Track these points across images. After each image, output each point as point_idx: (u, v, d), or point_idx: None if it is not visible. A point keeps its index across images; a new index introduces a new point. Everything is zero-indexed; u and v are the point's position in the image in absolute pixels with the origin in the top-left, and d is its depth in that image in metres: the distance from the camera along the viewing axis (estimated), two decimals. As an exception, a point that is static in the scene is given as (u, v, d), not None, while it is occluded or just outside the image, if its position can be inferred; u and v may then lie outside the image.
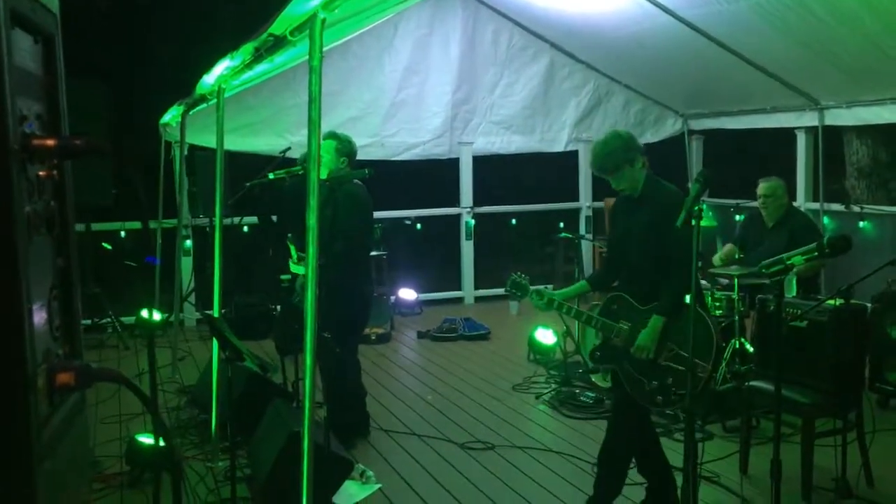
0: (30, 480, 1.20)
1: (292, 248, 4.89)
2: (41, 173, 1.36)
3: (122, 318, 7.64)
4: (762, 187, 5.80)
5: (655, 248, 3.71)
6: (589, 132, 9.16)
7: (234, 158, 7.30)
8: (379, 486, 4.37)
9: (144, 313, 6.17)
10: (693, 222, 3.13)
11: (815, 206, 7.69)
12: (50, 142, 1.31)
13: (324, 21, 2.64)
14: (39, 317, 1.32)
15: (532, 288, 4.01)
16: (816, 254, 3.22)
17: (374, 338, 7.51)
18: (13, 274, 1.20)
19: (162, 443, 1.47)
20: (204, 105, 6.23)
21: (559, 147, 9.15)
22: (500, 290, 4.95)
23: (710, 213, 8.75)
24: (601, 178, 3.91)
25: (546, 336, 6.66)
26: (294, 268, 4.95)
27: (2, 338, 1.20)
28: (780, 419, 3.36)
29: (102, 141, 1.34)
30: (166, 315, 7.13)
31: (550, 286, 5.02)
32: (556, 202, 9.91)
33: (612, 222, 4.08)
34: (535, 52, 8.83)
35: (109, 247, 8.06)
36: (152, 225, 7.09)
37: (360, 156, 5.28)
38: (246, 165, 7.40)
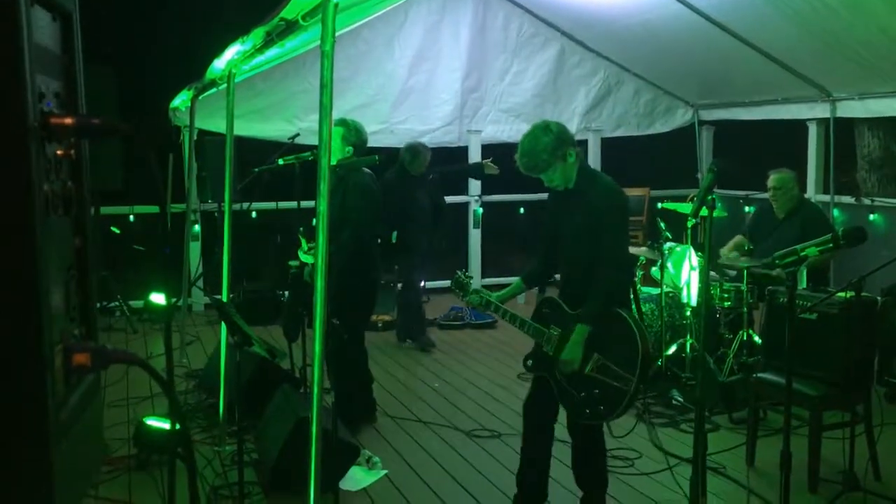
0: (46, 460, 1.20)
1: (302, 240, 4.89)
2: (59, 152, 1.36)
3: (131, 302, 7.66)
4: (773, 179, 5.77)
5: (589, 247, 3.47)
6: (599, 121, 9.13)
7: (242, 143, 7.30)
8: (385, 472, 4.39)
9: (155, 297, 6.17)
10: (705, 212, 3.11)
11: (826, 198, 7.65)
12: (68, 120, 1.30)
13: (336, 6, 2.62)
14: (56, 297, 1.31)
15: (472, 288, 3.84)
16: (831, 245, 3.20)
17: (380, 325, 7.51)
18: (31, 253, 1.20)
19: (177, 427, 1.46)
20: (214, 90, 6.22)
21: (568, 136, 9.10)
22: (508, 279, 4.93)
23: (720, 205, 8.72)
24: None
25: (553, 325, 6.64)
26: (303, 257, 4.96)
27: (20, 317, 1.20)
28: (790, 411, 3.35)
29: (119, 122, 1.33)
30: (174, 300, 7.14)
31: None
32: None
33: (547, 215, 3.80)
34: (545, 40, 8.78)
35: (118, 231, 8.07)
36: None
37: (369, 143, 5.26)
38: (254, 150, 7.41)
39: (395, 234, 6.77)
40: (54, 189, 1.34)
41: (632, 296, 3.87)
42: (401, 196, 6.73)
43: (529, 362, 3.77)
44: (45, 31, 1.37)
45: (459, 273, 3.94)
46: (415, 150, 6.80)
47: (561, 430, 3.87)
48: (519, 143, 3.55)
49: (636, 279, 6.23)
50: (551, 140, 3.44)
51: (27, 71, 1.18)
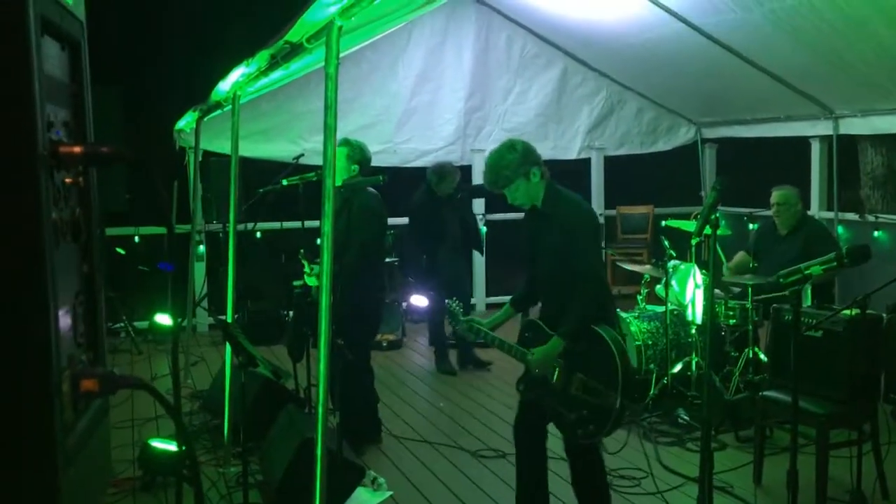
0: (54, 486, 1.21)
1: (304, 262, 4.89)
2: (67, 180, 1.37)
3: (136, 323, 7.67)
4: (775, 195, 5.78)
5: (562, 266, 3.50)
6: (602, 140, 9.16)
7: (246, 164, 7.33)
8: (390, 493, 4.37)
9: (160, 318, 6.18)
10: (709, 231, 3.12)
11: (830, 215, 7.65)
12: (77, 149, 1.31)
13: (340, 28, 2.64)
14: (65, 323, 1.33)
15: (462, 318, 3.84)
16: (835, 264, 3.21)
17: (385, 345, 7.51)
18: (40, 280, 1.21)
19: (183, 450, 1.47)
20: (219, 111, 6.26)
21: (572, 154, 9.14)
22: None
23: (724, 222, 8.72)
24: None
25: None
26: (308, 280, 4.95)
27: (29, 344, 1.21)
28: (797, 429, 3.34)
29: (128, 149, 1.35)
30: (179, 320, 7.15)
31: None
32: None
33: (524, 237, 3.85)
34: (548, 60, 8.84)
35: (123, 252, 8.10)
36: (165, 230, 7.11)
37: (373, 163, 5.29)
38: (258, 171, 7.45)
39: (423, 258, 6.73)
40: (63, 217, 1.35)
41: (614, 310, 3.81)
42: (429, 218, 6.72)
43: (521, 386, 3.77)
44: (55, 60, 1.39)
45: (450, 301, 3.95)
46: (442, 171, 6.70)
47: (559, 446, 3.85)
48: (485, 158, 3.66)
49: (640, 296, 6.23)
50: (515, 158, 3.51)
51: (37, 102, 1.20)
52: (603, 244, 9.08)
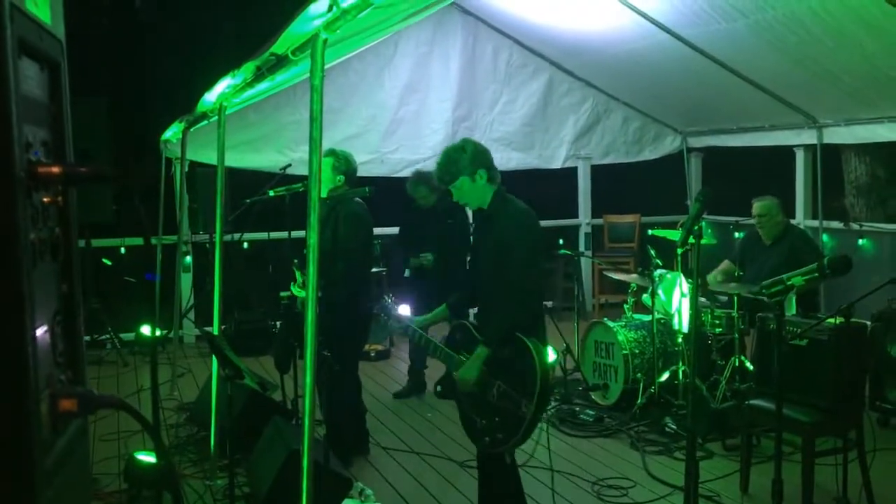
0: (32, 508, 1.20)
1: (297, 273, 4.88)
2: (46, 199, 1.37)
3: (122, 335, 7.63)
4: (756, 207, 5.82)
5: (497, 271, 3.47)
6: (588, 149, 9.20)
7: (233, 175, 7.32)
8: (378, 504, 4.36)
9: (146, 330, 6.15)
10: (692, 241, 3.14)
11: (815, 223, 7.71)
12: (55, 169, 1.32)
13: (325, 41, 2.65)
14: (43, 343, 1.32)
15: (393, 313, 3.83)
16: (817, 275, 3.23)
17: (373, 355, 7.50)
18: (18, 302, 1.21)
19: (162, 463, 1.46)
20: (205, 122, 6.26)
21: (557, 164, 9.18)
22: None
23: (709, 231, 8.77)
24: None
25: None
26: (296, 291, 4.94)
27: (6, 365, 1.21)
28: (781, 438, 3.36)
29: (106, 167, 1.35)
30: (165, 331, 7.12)
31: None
32: (555, 218, 9.93)
33: (472, 239, 3.83)
34: (534, 70, 8.88)
35: (109, 262, 8.07)
36: (152, 241, 7.10)
37: (361, 172, 5.30)
38: (246, 182, 7.44)
39: (406, 270, 6.62)
40: (42, 237, 1.35)
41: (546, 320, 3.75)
42: (409, 229, 6.71)
43: (439, 388, 3.77)
44: (33, 80, 1.39)
45: (385, 297, 3.92)
46: (415, 180, 6.49)
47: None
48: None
49: (627, 305, 6.25)
50: (462, 157, 3.54)
51: (14, 123, 1.20)
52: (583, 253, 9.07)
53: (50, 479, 1.29)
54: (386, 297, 3.92)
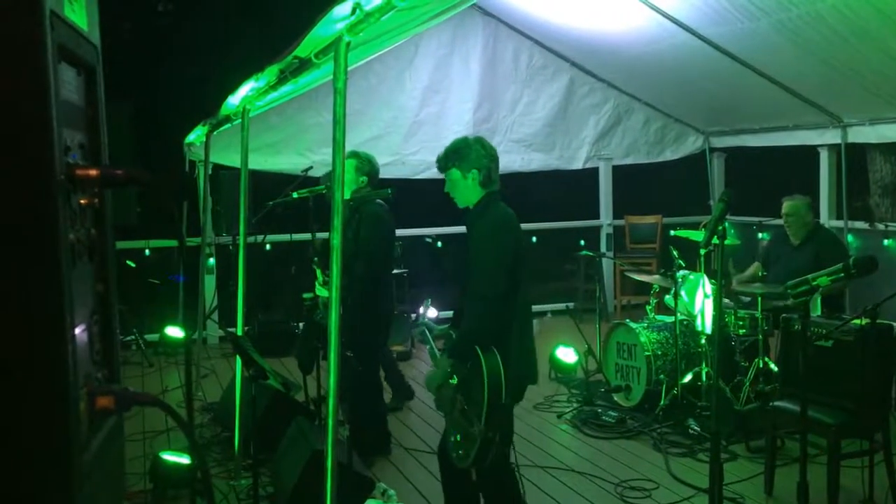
0: (70, 503, 1.23)
1: (318, 271, 4.92)
2: (83, 201, 1.40)
3: (146, 336, 7.71)
4: (786, 206, 5.78)
5: (471, 277, 3.36)
6: (609, 149, 9.18)
7: (256, 177, 7.38)
8: (401, 505, 4.38)
9: (171, 331, 6.21)
10: (716, 241, 3.13)
11: (839, 223, 7.63)
12: (93, 172, 1.35)
13: (349, 44, 2.67)
14: (81, 341, 1.35)
15: (421, 321, 3.73)
16: (843, 275, 3.21)
17: (395, 356, 7.51)
18: (59, 300, 1.24)
19: (196, 466, 1.49)
20: (228, 125, 6.31)
21: (578, 164, 9.16)
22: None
23: (732, 232, 8.71)
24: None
25: (567, 354, 6.64)
26: (319, 290, 4.98)
27: (47, 363, 1.24)
28: (806, 440, 3.34)
29: (143, 171, 1.38)
30: (190, 332, 7.19)
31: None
32: (576, 220, 9.91)
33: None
34: (554, 71, 8.87)
35: (133, 265, 8.15)
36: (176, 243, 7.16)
37: (382, 174, 5.32)
38: (268, 184, 7.49)
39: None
40: (79, 237, 1.38)
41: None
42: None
43: (436, 398, 3.68)
44: (71, 85, 1.43)
45: (426, 302, 3.87)
46: None
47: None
48: None
49: (649, 306, 6.23)
50: (463, 151, 3.50)
51: (54, 129, 1.23)
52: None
53: (87, 476, 1.31)
54: (427, 302, 3.86)
